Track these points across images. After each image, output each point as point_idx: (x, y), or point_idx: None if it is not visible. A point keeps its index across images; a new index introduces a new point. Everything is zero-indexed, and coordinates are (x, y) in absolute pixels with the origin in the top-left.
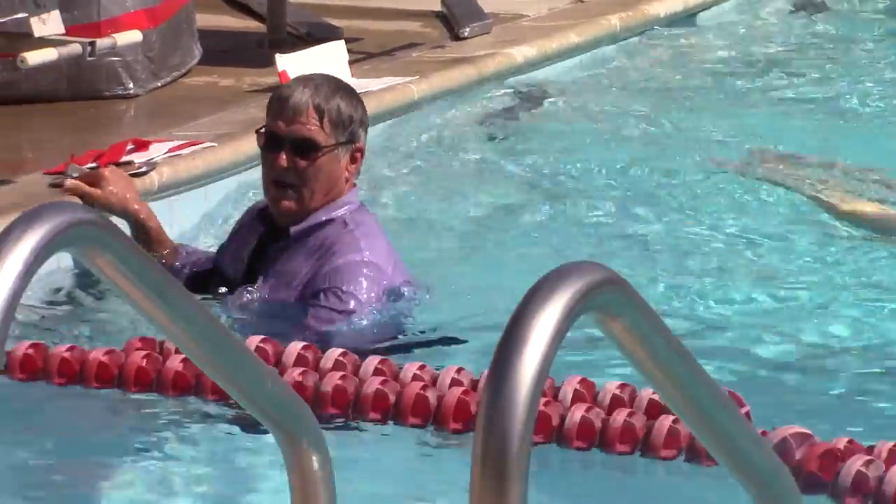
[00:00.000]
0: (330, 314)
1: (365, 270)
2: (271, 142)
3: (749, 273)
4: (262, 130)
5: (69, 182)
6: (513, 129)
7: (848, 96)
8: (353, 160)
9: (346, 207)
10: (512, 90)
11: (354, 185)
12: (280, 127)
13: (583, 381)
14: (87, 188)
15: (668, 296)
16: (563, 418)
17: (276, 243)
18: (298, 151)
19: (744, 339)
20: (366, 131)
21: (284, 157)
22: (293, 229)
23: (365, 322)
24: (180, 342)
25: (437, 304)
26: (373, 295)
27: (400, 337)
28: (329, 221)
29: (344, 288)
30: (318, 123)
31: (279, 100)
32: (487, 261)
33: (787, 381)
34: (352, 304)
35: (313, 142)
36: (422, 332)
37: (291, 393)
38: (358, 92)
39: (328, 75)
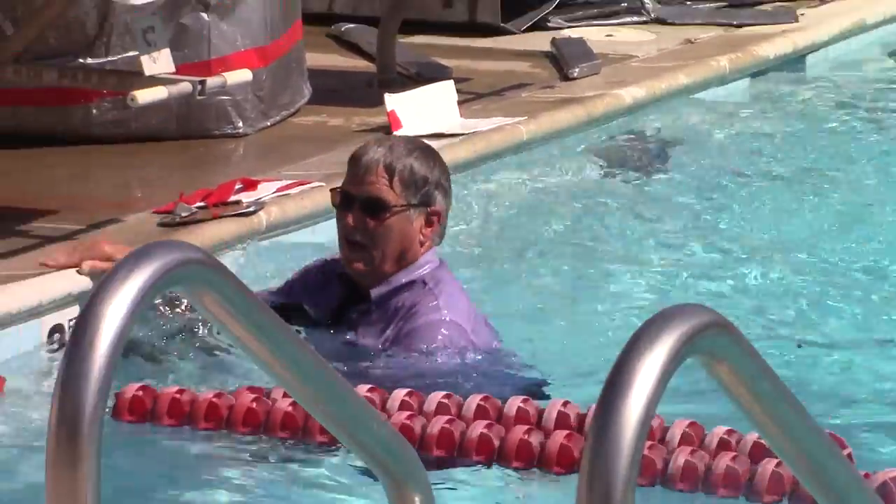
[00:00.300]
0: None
1: (444, 330)
2: (343, 201)
3: (864, 319)
4: (337, 189)
5: (86, 266)
6: (627, 171)
7: None
8: (429, 223)
9: (426, 267)
10: (624, 132)
11: (432, 245)
12: (351, 186)
13: (692, 425)
14: (103, 265)
15: (783, 340)
16: (666, 462)
17: (357, 306)
18: (367, 210)
19: (847, 383)
20: (445, 194)
21: (354, 216)
22: (374, 293)
23: (445, 382)
24: (287, 384)
25: (527, 358)
26: (449, 354)
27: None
28: (410, 284)
29: (422, 350)
30: (387, 183)
31: (353, 158)
32: (591, 310)
33: (889, 424)
34: (427, 365)
35: (382, 201)
36: (507, 390)
37: (398, 437)
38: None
39: (410, 137)
